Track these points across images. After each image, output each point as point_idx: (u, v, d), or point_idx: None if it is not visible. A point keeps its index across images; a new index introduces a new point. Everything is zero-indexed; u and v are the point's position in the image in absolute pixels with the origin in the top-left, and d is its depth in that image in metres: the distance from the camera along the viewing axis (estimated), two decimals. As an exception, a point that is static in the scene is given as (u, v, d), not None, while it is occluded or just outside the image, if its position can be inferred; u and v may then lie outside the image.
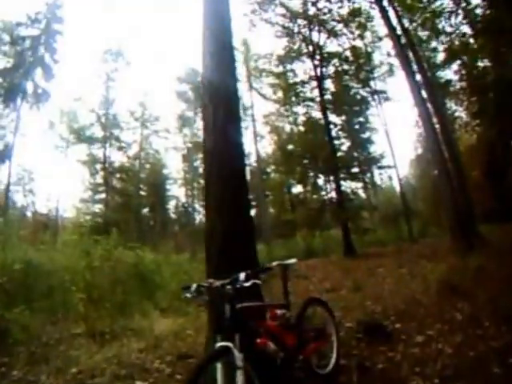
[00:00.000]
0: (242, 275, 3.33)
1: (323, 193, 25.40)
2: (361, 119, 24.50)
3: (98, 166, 37.09)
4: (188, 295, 3.53)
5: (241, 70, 36.68)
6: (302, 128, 24.86)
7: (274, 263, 4.60)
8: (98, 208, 37.01)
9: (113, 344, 6.97)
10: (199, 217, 40.85)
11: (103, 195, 36.99)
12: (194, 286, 3.52)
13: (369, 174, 26.35)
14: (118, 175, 38.82)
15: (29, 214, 40.83)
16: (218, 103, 5.82)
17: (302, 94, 22.66)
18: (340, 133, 23.21)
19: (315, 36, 21.96)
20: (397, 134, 29.87)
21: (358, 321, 6.23)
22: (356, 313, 7.12)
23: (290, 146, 26.13)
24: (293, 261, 4.74)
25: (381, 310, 7.15)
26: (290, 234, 29.34)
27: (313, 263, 17.80)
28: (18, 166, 36.62)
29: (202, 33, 6.52)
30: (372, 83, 25.40)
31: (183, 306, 9.40)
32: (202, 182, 38.65)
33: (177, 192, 45.14)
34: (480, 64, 20.44)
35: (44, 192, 50.87)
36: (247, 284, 3.29)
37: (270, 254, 20.57)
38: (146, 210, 44.10)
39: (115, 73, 37.14)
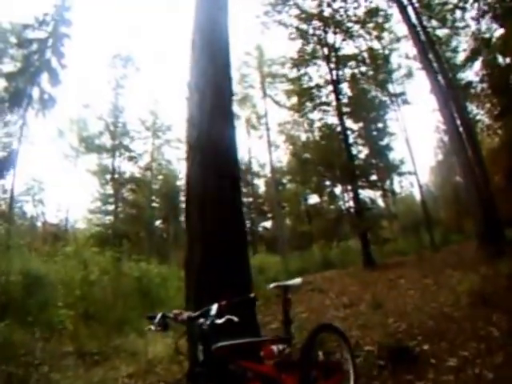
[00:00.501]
0: (214, 308, 2.67)
1: (340, 202, 24.74)
2: (379, 125, 23.63)
3: (108, 177, 36.47)
4: (152, 327, 2.77)
5: (254, 76, 36.38)
6: (317, 135, 24.02)
7: (272, 285, 3.90)
8: (108, 219, 36.29)
9: (102, 366, 6.43)
10: None
11: (113, 206, 36.31)
12: (159, 315, 2.79)
13: (388, 182, 25.40)
14: (128, 186, 37.96)
15: (39, 224, 40.02)
16: (205, 89, 5.23)
17: (317, 99, 21.80)
18: (357, 140, 22.21)
19: (331, 38, 21.21)
20: (415, 140, 29.15)
21: (379, 344, 5.44)
22: (376, 332, 6.34)
23: (306, 155, 25.32)
24: (296, 281, 3.96)
25: (405, 329, 6.35)
26: (306, 246, 28.31)
27: (330, 275, 16.91)
28: (27, 176, 36.31)
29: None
30: (390, 87, 24.77)
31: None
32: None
33: None
34: (502, 62, 19.65)
35: (54, 202, 50.45)
36: (219, 321, 2.56)
37: (285, 266, 19.92)
38: (158, 222, 43.43)
39: (124, 79, 36.49)
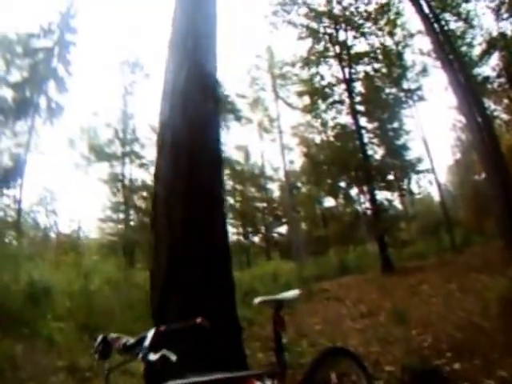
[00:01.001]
0: (149, 336, 1.94)
1: (356, 204, 24.06)
2: (395, 124, 22.89)
3: (119, 185, 35.97)
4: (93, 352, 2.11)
5: (266, 79, 35.91)
6: (331, 135, 23.35)
7: (258, 299, 2.97)
8: (120, 228, 35.88)
9: (90, 384, 5.84)
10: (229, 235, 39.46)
11: (124, 214, 35.89)
12: (99, 338, 2.12)
13: (405, 182, 24.65)
14: (140, 193, 37.08)
15: (52, 234, 39.72)
16: (183, 60, 4.55)
17: (330, 99, 21.22)
18: (373, 139, 21.50)
19: (342, 35, 20.63)
20: (432, 139, 28.37)
21: (402, 363, 4.73)
22: (398, 348, 5.68)
23: (319, 156, 24.69)
24: (292, 294, 3.17)
25: (431, 343, 5.65)
26: (322, 251, 27.54)
27: (346, 282, 16.24)
28: (39, 186, 36.59)
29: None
30: (405, 84, 24.08)
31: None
32: (230, 199, 38.11)
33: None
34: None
35: (67, 212, 50.52)
36: (153, 357, 1.81)
37: (300, 273, 19.32)
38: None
39: (133, 85, 35.85)
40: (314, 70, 21.41)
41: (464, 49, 21.60)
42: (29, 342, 7.94)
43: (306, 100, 23.53)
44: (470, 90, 14.77)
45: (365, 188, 20.62)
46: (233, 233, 40.70)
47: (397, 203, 25.18)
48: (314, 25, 20.79)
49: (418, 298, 9.63)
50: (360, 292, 13.02)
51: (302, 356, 6.01)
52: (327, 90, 21.15)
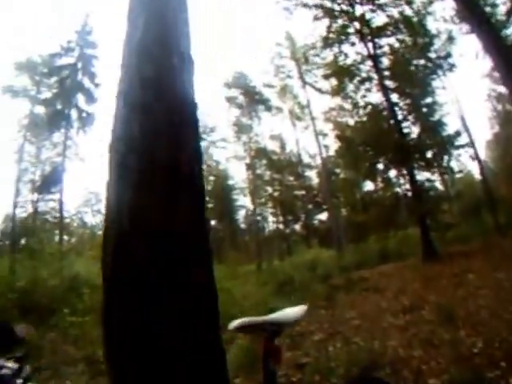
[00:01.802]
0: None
1: (396, 187, 23.18)
2: (428, 99, 21.81)
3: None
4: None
5: (290, 66, 35.06)
6: (363, 115, 22.49)
7: (236, 323, 2.28)
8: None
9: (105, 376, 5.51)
10: (269, 224, 40.81)
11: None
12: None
13: (445, 159, 23.57)
14: None
15: (99, 232, 40.96)
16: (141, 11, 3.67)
17: (357, 77, 20.35)
18: (407, 117, 20.35)
19: (359, 10, 19.73)
20: (467, 112, 26.95)
21: (449, 375, 4.00)
22: (444, 353, 4.86)
23: (354, 139, 23.91)
24: (292, 314, 2.43)
25: (482, 348, 4.77)
26: (362, 237, 26.71)
27: (387, 270, 15.41)
28: (84, 189, 39.75)
29: None
30: (433, 54, 22.97)
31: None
32: (269, 189, 37.83)
33: (245, 201, 43.48)
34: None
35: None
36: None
37: (339, 261, 18.72)
38: (214, 222, 43.03)
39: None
40: (336, 49, 20.65)
41: (488, 10, 20.42)
42: (61, 331, 8.06)
43: (334, 82, 22.77)
44: (505, 55, 13.78)
45: (403, 169, 19.76)
46: (273, 221, 40.69)
47: (438, 184, 24.20)
48: (327, 3, 20.07)
49: (464, 290, 8.70)
50: (401, 281, 12.16)
51: (333, 358, 5.67)
52: (353, 68, 20.36)
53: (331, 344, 6.62)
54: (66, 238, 28.08)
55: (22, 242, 31.01)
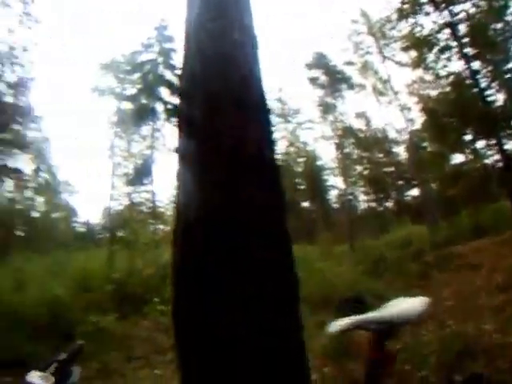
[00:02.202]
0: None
1: (485, 158, 22.24)
2: (510, 65, 20.62)
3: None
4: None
5: (368, 42, 34.03)
6: (444, 85, 21.74)
7: (340, 324, 2.03)
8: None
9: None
10: (360, 203, 40.53)
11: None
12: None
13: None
14: None
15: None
16: None
17: (436, 47, 19.55)
18: (490, 84, 19.44)
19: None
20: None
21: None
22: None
23: (438, 110, 23.16)
24: (408, 310, 2.04)
25: None
26: (455, 212, 25.82)
27: (481, 245, 14.72)
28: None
29: None
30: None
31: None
32: (358, 168, 37.45)
33: (335, 181, 42.59)
34: None
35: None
36: None
37: (431, 237, 18.27)
38: (306, 204, 43.42)
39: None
40: (411, 20, 20.05)
41: None
42: (153, 320, 8.47)
43: (413, 54, 22.22)
44: None
45: (491, 139, 18.96)
46: (364, 200, 40.25)
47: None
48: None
49: None
50: (496, 257, 11.63)
51: (426, 344, 5.56)
52: (431, 38, 19.53)
53: (424, 328, 6.50)
54: (160, 227, 29.29)
55: (119, 233, 32.61)
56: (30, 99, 32.79)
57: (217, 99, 2.91)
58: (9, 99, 29.10)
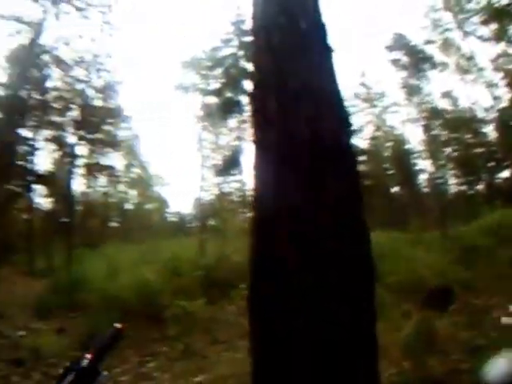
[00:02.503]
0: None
1: None
2: None
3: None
4: None
5: (448, 19, 32.51)
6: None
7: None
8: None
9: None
10: (450, 187, 39.01)
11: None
12: None
13: None
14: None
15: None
16: None
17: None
18: None
19: None
20: None
21: None
22: None
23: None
24: None
25: None
26: None
27: None
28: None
29: None
30: None
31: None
32: (447, 150, 36.45)
33: (424, 165, 41.12)
34: None
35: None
36: None
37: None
38: (395, 189, 43.16)
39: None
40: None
41: None
42: (240, 304, 8.82)
43: (494, 27, 21.49)
44: None
45: None
46: (455, 184, 39.03)
47: None
48: None
49: None
50: None
51: None
52: (510, 8, 18.72)
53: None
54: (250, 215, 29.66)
55: (209, 223, 34.25)
56: (118, 101, 35.41)
57: (289, 91, 2.96)
58: (98, 103, 31.64)
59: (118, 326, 1.78)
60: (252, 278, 2.83)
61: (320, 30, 3.37)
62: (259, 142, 3.09)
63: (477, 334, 5.81)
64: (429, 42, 33.88)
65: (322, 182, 2.66)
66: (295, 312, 2.40)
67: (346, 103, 3.41)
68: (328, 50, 3.32)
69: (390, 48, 36.08)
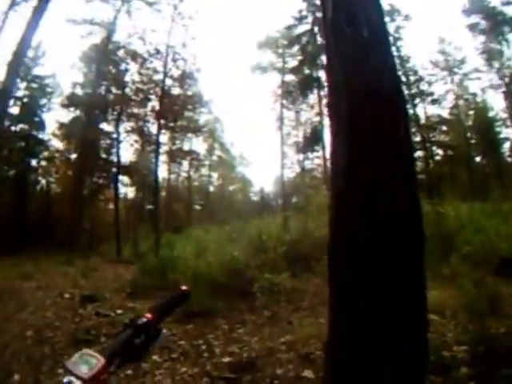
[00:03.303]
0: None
1: None
2: None
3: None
4: None
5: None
6: None
7: None
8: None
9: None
10: None
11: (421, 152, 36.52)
12: None
13: None
14: (440, 128, 38.72)
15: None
16: None
17: None
18: None
19: None
20: None
21: None
22: None
23: None
24: None
25: None
26: None
27: None
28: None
29: None
30: None
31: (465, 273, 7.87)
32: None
33: (508, 133, 40.83)
34: None
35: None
36: None
37: None
38: (478, 159, 42.07)
39: (399, 31, 35.80)
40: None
41: None
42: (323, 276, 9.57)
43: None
44: None
45: None
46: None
47: None
48: None
49: None
50: None
51: None
52: None
53: None
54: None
55: (292, 200, 35.26)
56: (198, 87, 36.59)
57: (356, 92, 3.70)
58: (177, 91, 32.83)
59: (183, 287, 1.81)
60: (330, 249, 3.70)
61: (381, 37, 4.06)
62: (334, 133, 3.91)
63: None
64: (508, 3, 32.29)
65: (383, 163, 3.41)
66: (363, 279, 3.18)
67: (405, 100, 4.16)
68: (388, 55, 4.06)
69: (467, 12, 35.19)
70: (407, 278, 3.15)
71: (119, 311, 8.94)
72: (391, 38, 34.43)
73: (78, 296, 10.58)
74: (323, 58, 26.39)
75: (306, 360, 5.30)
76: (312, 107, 33.64)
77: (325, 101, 28.79)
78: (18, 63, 15.10)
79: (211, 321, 7.86)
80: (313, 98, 31.52)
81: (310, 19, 29.42)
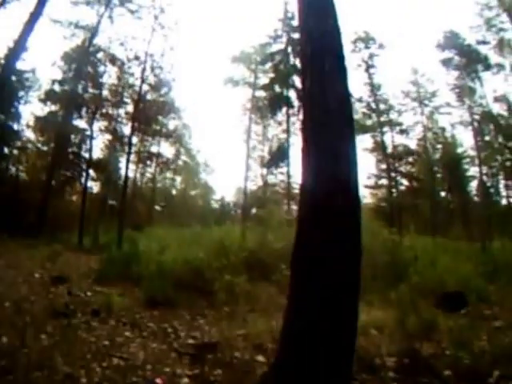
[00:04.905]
0: None
1: None
2: None
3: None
4: None
5: (503, 18, 32.79)
6: None
7: None
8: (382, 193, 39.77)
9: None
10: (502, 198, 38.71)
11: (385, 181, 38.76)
12: None
13: None
14: (405, 159, 40.32)
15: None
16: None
17: None
18: None
19: None
20: None
21: None
22: None
23: None
24: None
25: None
26: None
27: None
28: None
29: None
30: None
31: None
32: (499, 158, 36.25)
33: (475, 172, 40.42)
34: None
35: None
36: None
37: None
38: (442, 194, 42.96)
39: (373, 58, 38.13)
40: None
41: None
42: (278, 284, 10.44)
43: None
44: None
45: None
46: (506, 196, 38.41)
47: None
48: None
49: None
50: None
51: None
52: None
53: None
54: (294, 207, 31.24)
55: (252, 211, 36.61)
56: (172, 95, 38.88)
57: (315, 115, 4.85)
58: (153, 96, 35.21)
59: (157, 380, 1.92)
60: (293, 261, 4.59)
61: (337, 64, 5.00)
62: (302, 150, 4.80)
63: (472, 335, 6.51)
64: (483, 42, 33.75)
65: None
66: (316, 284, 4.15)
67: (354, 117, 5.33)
68: (342, 82, 4.97)
69: (441, 47, 36.43)
70: (345, 293, 4.18)
71: (89, 293, 9.93)
72: (363, 64, 36.36)
73: (47, 277, 11.49)
74: (294, 79, 28.43)
75: (259, 349, 6.14)
76: (280, 124, 35.50)
77: (292, 119, 31.19)
78: (12, 66, 15.90)
79: (174, 311, 8.97)
80: (281, 115, 32.59)
81: (284, 39, 30.84)
